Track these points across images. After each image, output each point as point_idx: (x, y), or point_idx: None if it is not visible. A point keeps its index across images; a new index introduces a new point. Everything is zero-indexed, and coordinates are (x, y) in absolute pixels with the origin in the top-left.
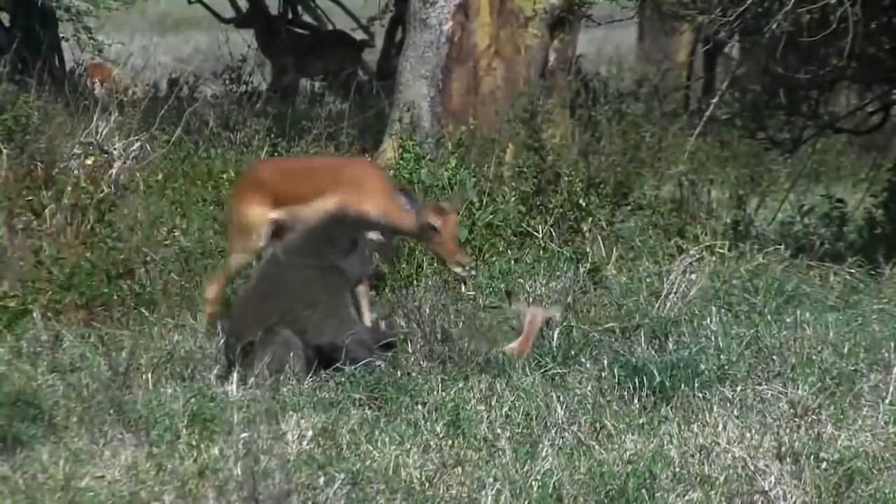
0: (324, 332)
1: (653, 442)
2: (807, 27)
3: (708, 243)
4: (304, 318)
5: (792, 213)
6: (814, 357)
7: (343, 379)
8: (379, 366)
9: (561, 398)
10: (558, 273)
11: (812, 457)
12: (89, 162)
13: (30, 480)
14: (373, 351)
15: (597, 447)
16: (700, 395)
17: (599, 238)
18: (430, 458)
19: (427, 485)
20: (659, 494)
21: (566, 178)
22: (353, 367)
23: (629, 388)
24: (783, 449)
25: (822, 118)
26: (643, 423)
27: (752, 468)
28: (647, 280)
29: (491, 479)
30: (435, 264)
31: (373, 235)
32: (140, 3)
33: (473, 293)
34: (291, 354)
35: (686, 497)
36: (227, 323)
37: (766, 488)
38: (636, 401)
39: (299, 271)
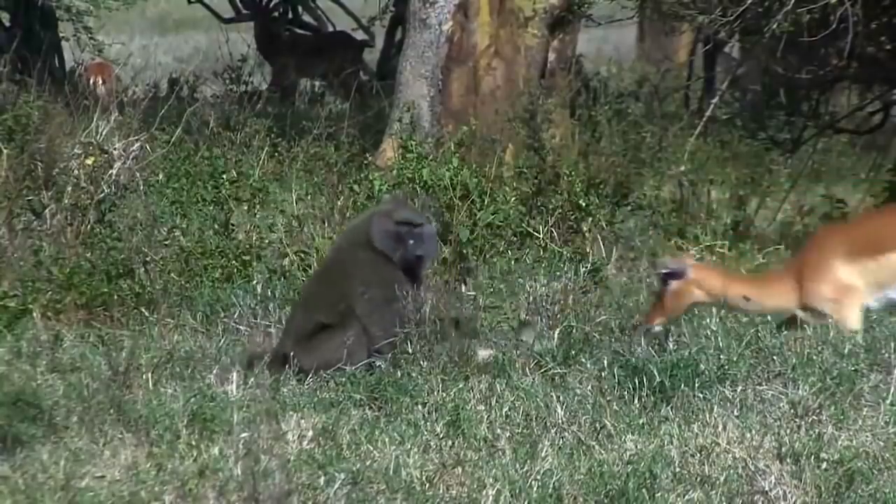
0: (372, 316)
1: (653, 442)
2: (807, 27)
3: (708, 243)
4: (357, 298)
5: (792, 213)
6: (814, 357)
7: (343, 379)
8: (379, 366)
9: (561, 398)
10: (558, 273)
11: (812, 457)
12: (89, 162)
13: (30, 480)
14: (394, 346)
15: (597, 447)
16: (700, 395)
17: (599, 238)
18: (430, 458)
19: (427, 485)
20: (659, 494)
21: (566, 178)
22: (353, 367)
23: (629, 388)
24: (783, 449)
25: (822, 118)
26: (643, 423)
27: (753, 468)
28: (647, 280)
29: (491, 479)
30: (435, 264)
31: None
32: (140, 3)
33: (474, 293)
34: (361, 344)
35: (686, 497)
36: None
37: (767, 488)
38: (636, 401)
39: (355, 254)
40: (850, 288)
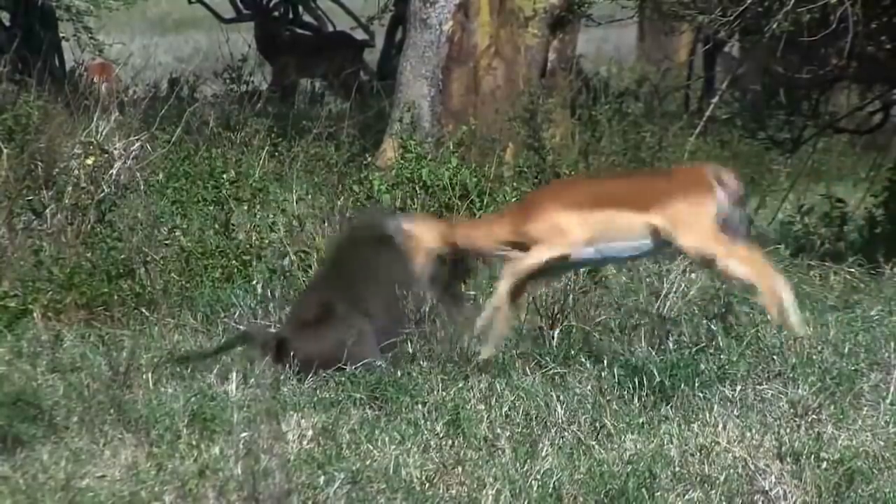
0: (384, 314)
1: (653, 442)
2: (807, 27)
3: None
4: (364, 297)
5: (792, 213)
6: (814, 357)
7: (343, 378)
8: (380, 366)
9: (561, 398)
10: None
11: (812, 456)
12: (89, 162)
13: (30, 480)
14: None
15: (597, 447)
16: (700, 394)
17: None
18: (430, 457)
19: (427, 485)
20: (659, 494)
21: (566, 178)
22: (353, 367)
23: (629, 387)
24: (783, 449)
25: (822, 118)
26: (643, 423)
27: (753, 468)
28: (647, 280)
29: (491, 479)
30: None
31: None
32: (140, 3)
33: (473, 293)
34: (368, 344)
35: (686, 497)
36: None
37: (767, 488)
38: (636, 400)
39: (359, 249)
40: (561, 233)
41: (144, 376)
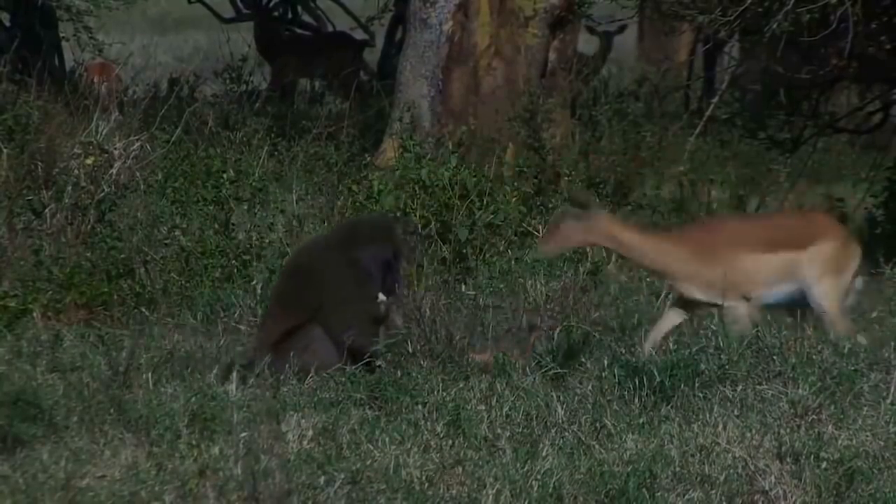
0: (348, 329)
1: (653, 442)
2: (807, 27)
3: None
4: (330, 311)
5: None
6: (814, 357)
7: (343, 379)
8: (379, 366)
9: (561, 398)
10: (558, 273)
11: (812, 456)
12: (89, 162)
13: (30, 480)
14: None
15: (597, 447)
16: (700, 394)
17: None
18: (430, 458)
19: (427, 485)
20: (659, 494)
21: (566, 178)
22: (353, 367)
23: (629, 387)
24: (783, 449)
25: (822, 118)
26: (643, 423)
27: (753, 468)
28: (647, 280)
29: (491, 479)
30: (435, 264)
31: None
32: (140, 3)
33: (473, 293)
34: (325, 350)
35: (686, 497)
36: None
37: (767, 488)
38: (636, 400)
39: (332, 264)
40: None
41: (144, 376)
